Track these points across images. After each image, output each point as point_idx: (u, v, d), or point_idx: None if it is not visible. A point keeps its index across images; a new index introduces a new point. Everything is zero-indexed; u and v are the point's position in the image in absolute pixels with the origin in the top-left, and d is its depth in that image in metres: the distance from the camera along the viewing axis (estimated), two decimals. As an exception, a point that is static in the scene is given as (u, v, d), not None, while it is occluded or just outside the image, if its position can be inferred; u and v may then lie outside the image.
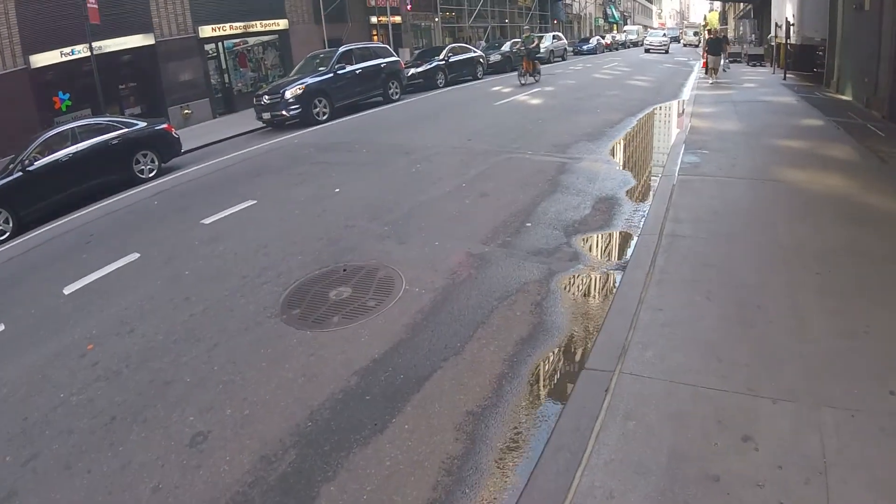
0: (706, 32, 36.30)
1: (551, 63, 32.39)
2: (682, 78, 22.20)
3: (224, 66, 22.01)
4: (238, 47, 22.50)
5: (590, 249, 5.97)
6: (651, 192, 7.33)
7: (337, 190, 8.60)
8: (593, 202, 7.20)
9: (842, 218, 6.05)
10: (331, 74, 16.40)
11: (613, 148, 10.31)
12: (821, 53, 19.85)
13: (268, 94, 15.82)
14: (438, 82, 21.78)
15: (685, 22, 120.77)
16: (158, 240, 7.51)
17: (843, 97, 14.94)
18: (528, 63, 21.01)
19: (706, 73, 21.80)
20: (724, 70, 21.43)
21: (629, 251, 5.57)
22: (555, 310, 4.73)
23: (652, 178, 8.47)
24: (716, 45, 19.80)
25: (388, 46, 20.45)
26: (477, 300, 4.95)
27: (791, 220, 5.99)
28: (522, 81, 20.50)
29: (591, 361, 3.89)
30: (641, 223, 6.29)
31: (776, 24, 21.46)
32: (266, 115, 15.78)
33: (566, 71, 26.72)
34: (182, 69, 19.79)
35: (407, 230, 6.67)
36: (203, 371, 4.40)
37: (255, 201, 8.50)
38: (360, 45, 19.07)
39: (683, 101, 15.84)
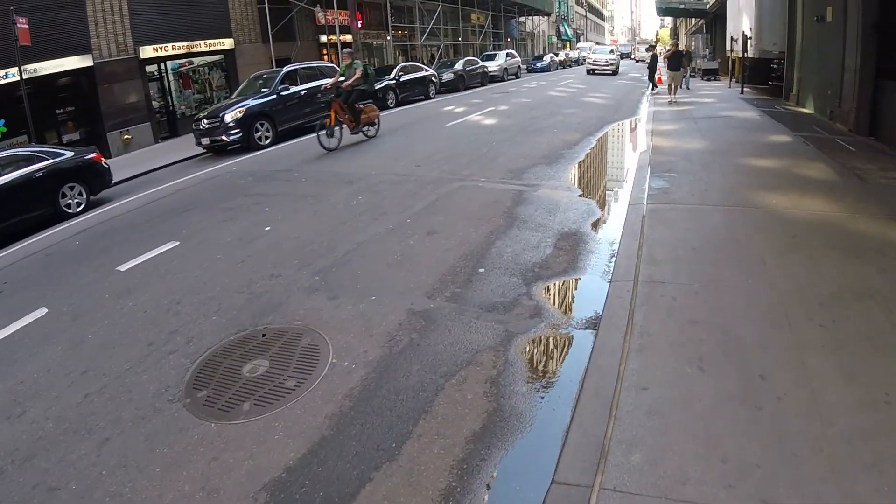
0: (654, 49, 35.92)
1: (505, 81, 31.95)
2: (639, 94, 21.83)
3: (167, 88, 20.93)
4: (184, 68, 21.44)
5: (554, 302, 5.07)
6: (619, 225, 6.47)
7: (267, 228, 7.61)
8: (555, 239, 6.32)
9: (836, 250, 5.33)
10: (274, 96, 15.47)
11: (573, 172, 9.55)
12: (775, 66, 19.70)
13: (206, 119, 14.72)
14: (389, 102, 20.95)
15: (637, 38, 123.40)
16: (71, 291, 6.42)
17: (805, 110, 14.58)
18: (338, 108, 12.73)
19: (652, 88, 21.43)
20: (686, 88, 20.87)
21: (601, 303, 4.68)
22: (514, 390, 3.80)
23: (618, 207, 7.67)
24: (674, 61, 18.67)
25: (335, 66, 19.48)
26: (418, 378, 3.99)
27: (781, 255, 5.24)
28: (326, 145, 12.54)
29: (561, 470, 2.98)
30: (612, 265, 5.43)
31: (732, 38, 21.26)
32: (205, 141, 14.70)
33: (520, 89, 26.18)
34: (122, 92, 18.59)
35: (340, 281, 5.71)
36: (91, 476, 3.39)
37: (178, 243, 7.47)
38: (306, 64, 18.10)
39: (643, 118, 15.28)
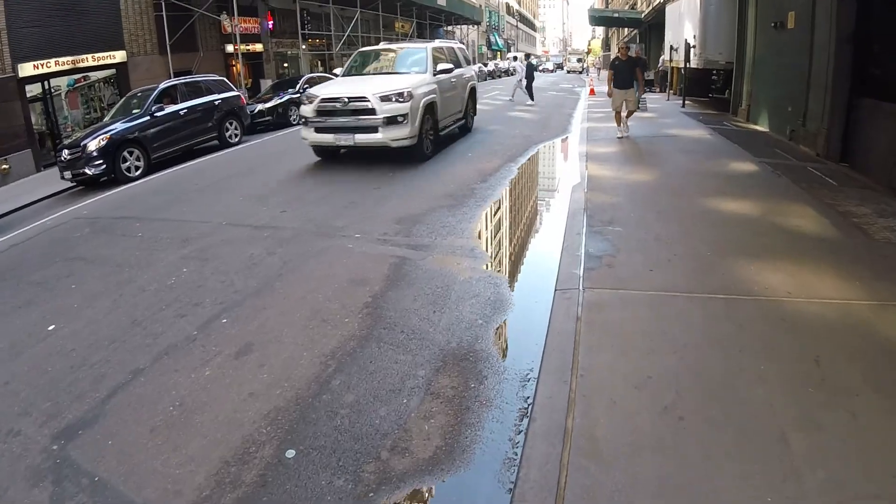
0: (528, 58, 31.47)
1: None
2: (570, 107, 19.83)
3: (51, 110, 18.13)
4: (80, 84, 18.91)
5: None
6: (540, 337, 4.01)
7: (51, 328, 4.95)
8: (432, 370, 3.79)
9: (884, 396, 3.16)
10: (146, 118, 12.86)
11: (482, 221, 7.10)
12: (715, 77, 18.08)
13: (67, 149, 12.16)
14: (292, 119, 18.23)
15: (569, 49, 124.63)
16: None
17: (758, 128, 12.79)
18: None
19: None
20: (643, 108, 14.58)
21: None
22: None
23: (541, 291, 5.01)
24: (624, 73, 11.66)
25: (225, 80, 16.71)
26: None
27: (808, 420, 2.95)
28: None
29: None
30: (520, 448, 3.02)
31: (671, 47, 19.53)
32: (67, 175, 12.18)
33: (445, 102, 23.85)
34: (-1, 116, 15.96)
35: (79, 458, 3.20)
36: None
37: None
38: (189, 79, 15.43)
39: (575, 137, 13.12)
